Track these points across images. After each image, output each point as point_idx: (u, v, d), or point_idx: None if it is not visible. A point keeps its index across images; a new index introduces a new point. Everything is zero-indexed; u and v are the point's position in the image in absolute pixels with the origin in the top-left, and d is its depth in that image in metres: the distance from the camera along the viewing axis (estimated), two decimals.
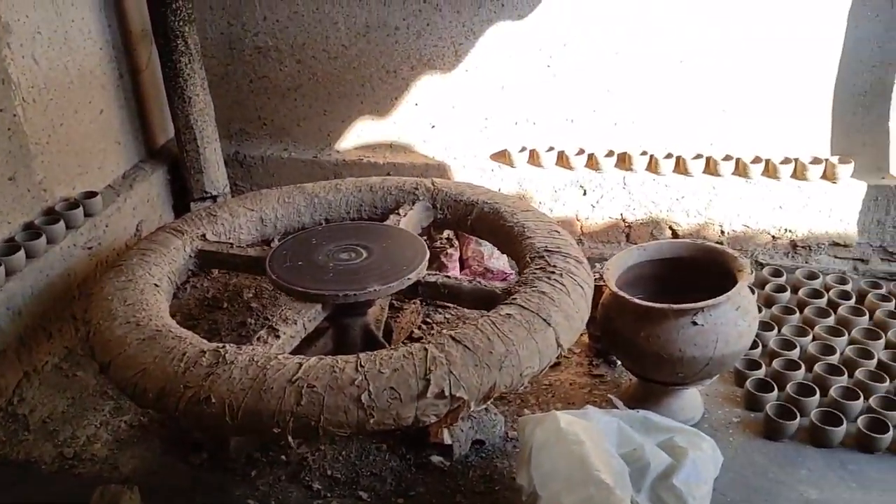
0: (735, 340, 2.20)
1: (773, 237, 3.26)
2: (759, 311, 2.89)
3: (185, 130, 3.22)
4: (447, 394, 1.77)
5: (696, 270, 2.44)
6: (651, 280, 2.50)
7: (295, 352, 2.09)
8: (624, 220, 3.35)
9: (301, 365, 1.80)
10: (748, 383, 2.49)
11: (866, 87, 3.02)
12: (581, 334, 2.83)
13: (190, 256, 2.53)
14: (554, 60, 3.16)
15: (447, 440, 2.03)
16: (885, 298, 2.95)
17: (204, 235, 2.57)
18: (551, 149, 3.31)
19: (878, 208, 3.11)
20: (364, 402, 1.73)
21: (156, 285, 2.29)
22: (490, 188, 2.88)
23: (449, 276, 2.35)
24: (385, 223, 2.60)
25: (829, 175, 3.12)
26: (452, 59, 3.23)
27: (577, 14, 3.07)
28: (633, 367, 2.41)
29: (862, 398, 2.38)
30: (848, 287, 3.04)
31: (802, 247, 3.25)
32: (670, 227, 3.32)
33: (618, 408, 2.25)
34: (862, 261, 3.24)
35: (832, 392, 2.41)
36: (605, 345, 2.47)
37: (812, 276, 3.12)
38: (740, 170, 3.19)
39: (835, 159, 3.10)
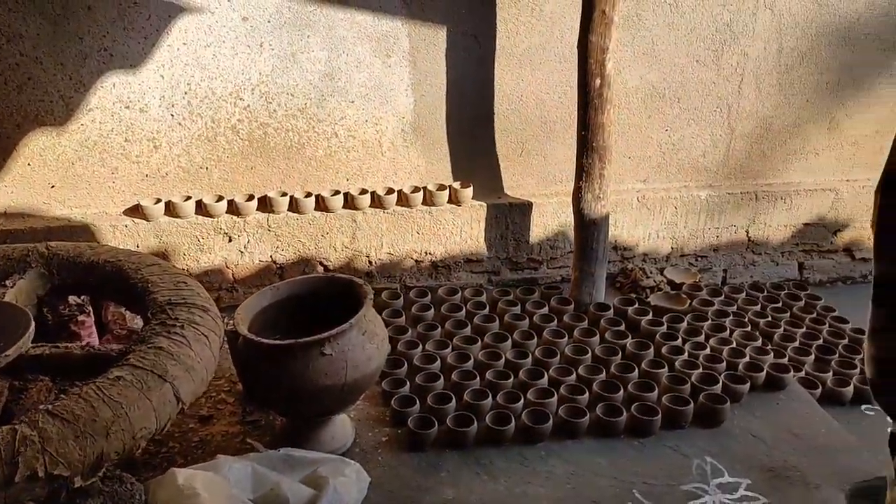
0: (365, 364, 2.29)
1: (417, 261, 3.49)
2: (407, 331, 3.08)
3: None
4: (42, 474, 1.60)
5: (333, 302, 2.51)
6: (291, 318, 2.53)
7: None
8: (275, 262, 3.35)
9: None
10: (393, 401, 2.61)
11: (473, 118, 3.38)
12: (236, 383, 2.79)
13: None
14: (177, 109, 3.08)
15: None
16: (512, 303, 3.31)
17: None
18: (188, 198, 3.21)
19: (499, 225, 3.48)
20: None
21: None
22: (114, 246, 2.71)
23: (58, 346, 2.16)
24: None
25: (454, 199, 3.43)
26: (64, 114, 2.99)
27: (196, 61, 3.03)
28: (276, 407, 2.41)
29: (490, 397, 2.62)
30: (482, 298, 3.36)
31: (443, 266, 3.52)
32: (321, 264, 3.39)
33: (258, 451, 2.23)
34: (494, 273, 3.60)
35: (466, 396, 2.62)
36: (246, 389, 2.43)
37: (453, 291, 3.40)
38: (377, 202, 3.37)
39: (457, 185, 3.42)
